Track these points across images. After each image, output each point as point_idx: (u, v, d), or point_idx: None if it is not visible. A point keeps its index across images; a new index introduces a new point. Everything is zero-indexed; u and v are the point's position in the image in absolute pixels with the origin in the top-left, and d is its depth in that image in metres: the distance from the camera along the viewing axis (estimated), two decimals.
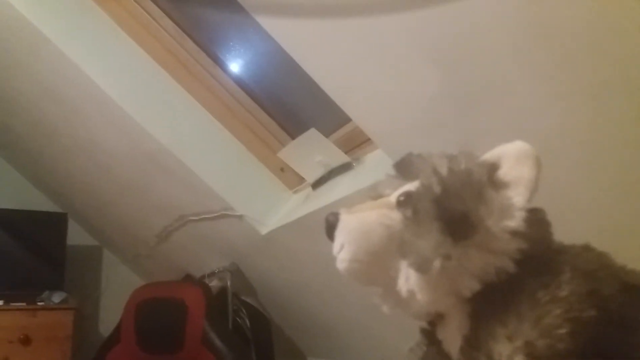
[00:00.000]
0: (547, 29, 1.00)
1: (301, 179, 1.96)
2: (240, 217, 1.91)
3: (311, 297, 2.04)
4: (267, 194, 1.98)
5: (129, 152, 2.05)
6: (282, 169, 2.03)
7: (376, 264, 0.48)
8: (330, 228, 0.50)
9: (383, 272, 0.48)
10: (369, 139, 1.63)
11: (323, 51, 1.42)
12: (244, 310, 2.10)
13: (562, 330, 0.37)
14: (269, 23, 1.38)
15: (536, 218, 0.46)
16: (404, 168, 0.48)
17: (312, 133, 1.75)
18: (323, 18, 1.31)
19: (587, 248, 0.46)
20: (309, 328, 2.20)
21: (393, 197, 0.48)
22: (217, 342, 1.79)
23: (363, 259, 0.48)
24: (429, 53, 1.28)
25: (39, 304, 2.34)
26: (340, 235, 0.50)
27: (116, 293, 2.60)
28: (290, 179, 2.01)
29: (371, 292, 0.50)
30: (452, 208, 0.43)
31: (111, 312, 2.56)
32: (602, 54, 0.96)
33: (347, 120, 1.73)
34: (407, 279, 0.45)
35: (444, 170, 0.45)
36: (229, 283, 2.11)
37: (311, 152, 1.79)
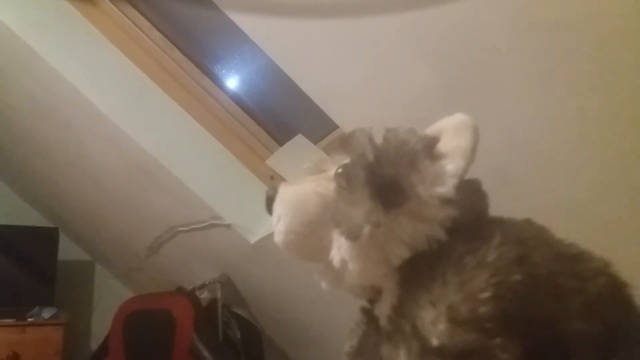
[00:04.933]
0: (540, 24, 1.00)
1: None
2: (228, 226, 1.90)
3: (303, 307, 2.02)
4: (256, 202, 1.95)
5: (118, 164, 2.05)
6: (271, 177, 2.02)
7: (312, 235, 0.47)
8: (269, 201, 0.50)
9: (319, 244, 0.47)
10: None
11: (305, 55, 1.42)
12: (234, 322, 2.07)
13: (486, 294, 0.36)
14: (250, 27, 1.39)
15: (470, 187, 0.45)
16: (347, 143, 0.47)
17: (299, 139, 1.75)
18: (304, 20, 1.31)
19: (527, 221, 0.45)
20: (301, 339, 2.17)
21: (333, 171, 0.47)
22: (206, 354, 1.76)
23: (299, 230, 0.48)
24: (414, 52, 1.28)
25: (28, 320, 2.31)
26: (277, 207, 0.49)
27: (108, 308, 2.57)
28: None
29: (312, 268, 0.49)
30: (383, 175, 0.43)
31: (103, 327, 2.52)
32: (595, 50, 0.96)
33: (335, 127, 1.73)
34: (339, 248, 0.45)
35: (379, 139, 0.45)
36: (219, 294, 2.09)
37: (299, 158, 1.78)
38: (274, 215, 0.49)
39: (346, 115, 1.51)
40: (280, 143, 1.97)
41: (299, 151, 1.77)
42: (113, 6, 1.88)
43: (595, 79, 1.00)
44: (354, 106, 1.50)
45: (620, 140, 1.04)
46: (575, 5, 0.94)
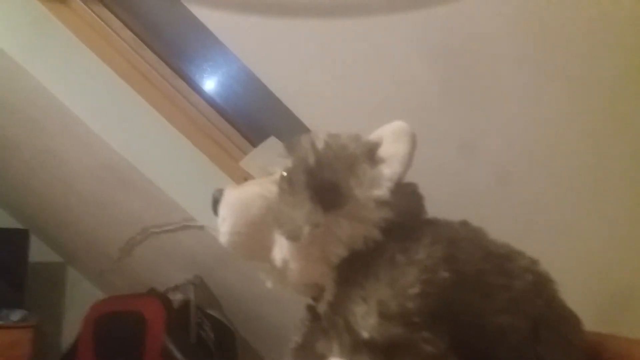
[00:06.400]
0: (539, 25, 1.00)
1: None
2: (201, 227, 1.90)
3: (277, 307, 2.02)
4: None
5: (89, 164, 2.03)
6: (245, 179, 2.03)
7: (256, 236, 0.48)
8: (215, 203, 0.51)
9: (262, 245, 0.48)
10: None
11: (277, 57, 1.44)
12: (208, 323, 2.07)
13: (414, 290, 0.38)
14: (221, 29, 1.39)
15: (406, 190, 0.47)
16: (292, 148, 0.49)
17: (272, 141, 1.76)
18: (276, 22, 1.33)
19: (463, 223, 0.47)
20: (274, 339, 2.18)
21: (278, 174, 0.49)
22: (178, 356, 1.76)
23: (242, 231, 0.49)
24: (388, 54, 1.30)
25: None
26: (222, 209, 0.50)
27: (80, 310, 2.53)
28: None
29: (258, 267, 0.50)
30: (323, 178, 0.44)
31: (74, 330, 2.49)
32: (595, 50, 0.97)
33: (307, 129, 1.75)
34: (281, 248, 0.46)
35: (321, 144, 0.47)
36: (192, 296, 2.08)
37: (272, 160, 1.79)
38: (219, 217, 0.51)
39: (317, 117, 1.53)
40: (254, 145, 1.98)
41: (272, 153, 1.78)
42: (84, 5, 1.86)
43: (596, 79, 1.01)
44: (324, 108, 1.52)
45: (620, 139, 1.06)
46: (574, 6, 0.95)
